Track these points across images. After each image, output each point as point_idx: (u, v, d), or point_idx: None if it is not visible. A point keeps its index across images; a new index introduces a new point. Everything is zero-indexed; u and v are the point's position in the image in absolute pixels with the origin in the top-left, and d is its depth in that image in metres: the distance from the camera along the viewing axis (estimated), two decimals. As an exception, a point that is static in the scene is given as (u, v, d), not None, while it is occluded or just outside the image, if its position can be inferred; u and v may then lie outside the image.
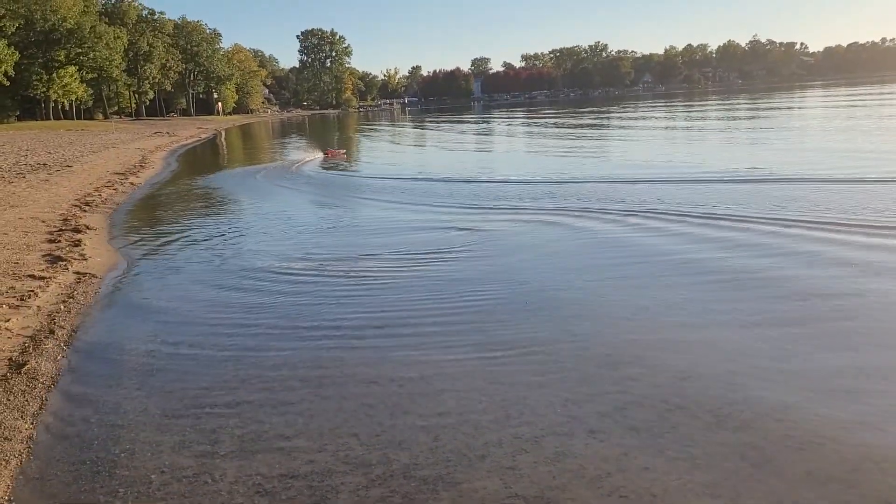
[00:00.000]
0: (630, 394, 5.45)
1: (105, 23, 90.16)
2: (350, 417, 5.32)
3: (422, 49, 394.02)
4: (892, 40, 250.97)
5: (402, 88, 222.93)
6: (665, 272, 8.88)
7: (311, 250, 11.42)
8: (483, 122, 68.08)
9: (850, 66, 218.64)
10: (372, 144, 46.38)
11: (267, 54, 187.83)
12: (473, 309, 7.77)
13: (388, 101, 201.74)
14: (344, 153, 32.87)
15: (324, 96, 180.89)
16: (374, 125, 79.76)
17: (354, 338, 7.08)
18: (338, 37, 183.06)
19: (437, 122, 74.23)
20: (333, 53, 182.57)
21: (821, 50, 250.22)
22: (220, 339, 7.25)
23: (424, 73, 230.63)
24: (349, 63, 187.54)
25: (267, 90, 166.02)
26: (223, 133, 70.74)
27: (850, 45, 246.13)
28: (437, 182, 19.81)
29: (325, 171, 25.90)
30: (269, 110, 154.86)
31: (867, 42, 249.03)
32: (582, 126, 49.28)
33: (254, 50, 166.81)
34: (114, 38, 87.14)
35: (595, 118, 59.75)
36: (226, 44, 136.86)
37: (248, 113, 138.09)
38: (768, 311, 7.20)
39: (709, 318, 7.13)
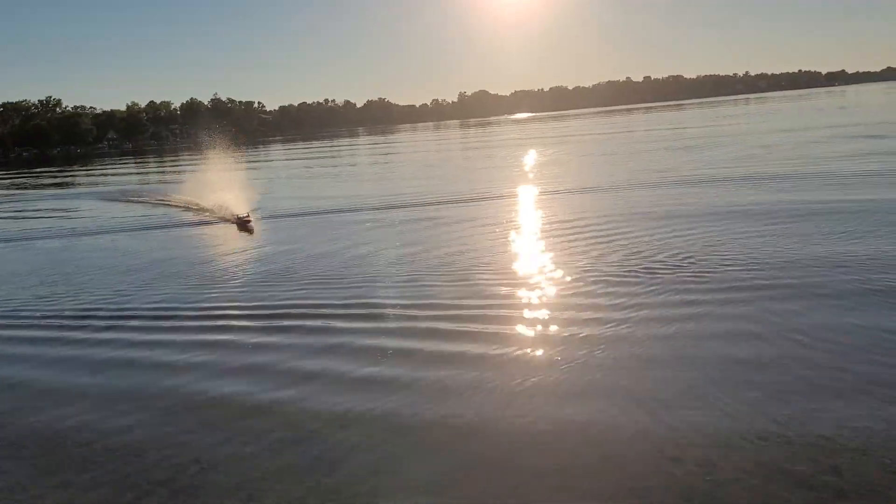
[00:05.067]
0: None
1: None
2: None
3: None
4: (333, 101, 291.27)
5: None
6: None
7: None
8: None
9: (301, 122, 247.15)
10: None
11: None
12: None
13: None
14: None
15: None
16: None
17: None
18: None
19: None
20: None
21: (277, 108, 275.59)
22: None
23: None
24: None
25: None
26: None
27: (300, 105, 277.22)
28: None
29: None
30: None
31: (314, 102, 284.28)
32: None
33: None
34: None
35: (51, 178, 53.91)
36: None
37: None
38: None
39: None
